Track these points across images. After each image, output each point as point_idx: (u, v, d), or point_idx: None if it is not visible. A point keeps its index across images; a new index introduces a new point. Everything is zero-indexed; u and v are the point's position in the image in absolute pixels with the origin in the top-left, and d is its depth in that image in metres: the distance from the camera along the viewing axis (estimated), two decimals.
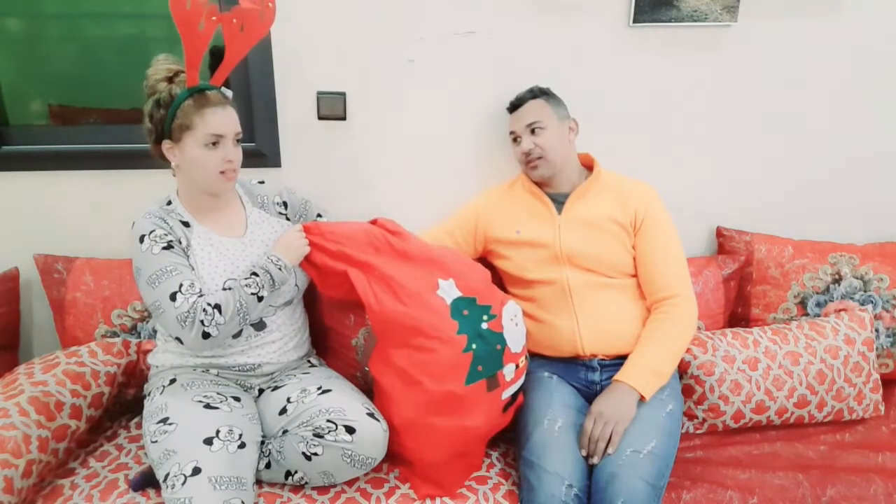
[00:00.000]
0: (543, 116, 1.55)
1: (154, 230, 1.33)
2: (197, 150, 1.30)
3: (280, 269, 1.36)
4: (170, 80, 1.31)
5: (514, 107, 1.60)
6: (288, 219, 1.54)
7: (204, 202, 1.40)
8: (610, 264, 1.52)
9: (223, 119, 1.31)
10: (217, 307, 1.27)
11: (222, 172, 1.33)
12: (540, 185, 1.61)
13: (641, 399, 1.38)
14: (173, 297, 1.26)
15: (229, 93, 1.36)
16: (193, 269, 1.34)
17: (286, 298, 1.46)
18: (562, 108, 1.60)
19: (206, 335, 1.26)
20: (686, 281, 1.52)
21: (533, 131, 1.55)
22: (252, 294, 1.31)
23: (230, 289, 1.31)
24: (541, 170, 1.56)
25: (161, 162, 1.37)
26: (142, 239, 1.32)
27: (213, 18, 1.26)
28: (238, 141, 1.36)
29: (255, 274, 1.33)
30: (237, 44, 1.32)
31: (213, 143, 1.31)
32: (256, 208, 1.50)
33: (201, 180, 1.35)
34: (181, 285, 1.27)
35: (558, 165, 1.56)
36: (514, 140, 1.60)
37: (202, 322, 1.25)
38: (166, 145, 1.32)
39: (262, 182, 1.56)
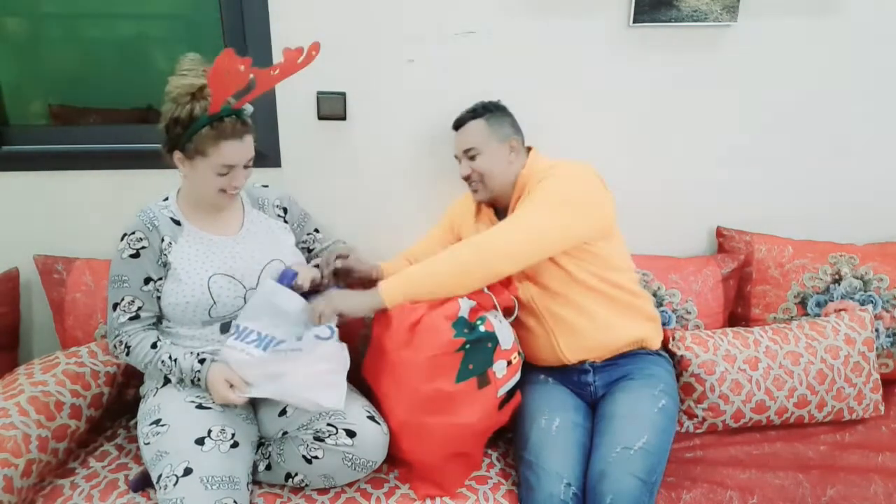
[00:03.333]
0: (479, 142, 1.49)
1: (135, 232, 1.37)
2: (207, 174, 1.32)
3: (194, 384, 1.35)
4: (193, 95, 1.26)
5: (456, 127, 1.55)
6: (286, 222, 1.54)
7: (203, 205, 1.42)
8: (561, 274, 1.45)
9: (237, 151, 1.31)
10: (128, 348, 1.36)
11: (223, 191, 1.35)
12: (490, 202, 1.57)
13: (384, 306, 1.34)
14: (114, 308, 1.37)
15: (250, 108, 1.34)
16: (154, 279, 1.36)
17: None
18: (504, 126, 1.51)
19: (115, 355, 1.42)
20: (512, 225, 1.38)
21: (471, 157, 1.50)
22: (160, 370, 1.35)
23: (155, 348, 1.35)
24: (480, 194, 1.53)
25: (170, 163, 1.37)
26: (122, 237, 1.38)
27: (252, 76, 1.26)
28: (247, 166, 1.36)
29: (176, 363, 1.33)
30: (267, 82, 1.32)
31: (225, 173, 1.32)
32: (255, 209, 1.51)
33: (202, 195, 1.38)
34: (123, 299, 1.36)
35: (497, 188, 1.51)
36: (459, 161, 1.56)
37: (115, 346, 1.38)
38: (177, 156, 1.32)
39: (265, 186, 1.57)
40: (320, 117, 1.70)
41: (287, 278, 1.38)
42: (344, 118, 1.71)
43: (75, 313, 1.62)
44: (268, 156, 1.73)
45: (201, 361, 1.34)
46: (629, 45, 1.70)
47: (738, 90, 1.76)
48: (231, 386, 1.30)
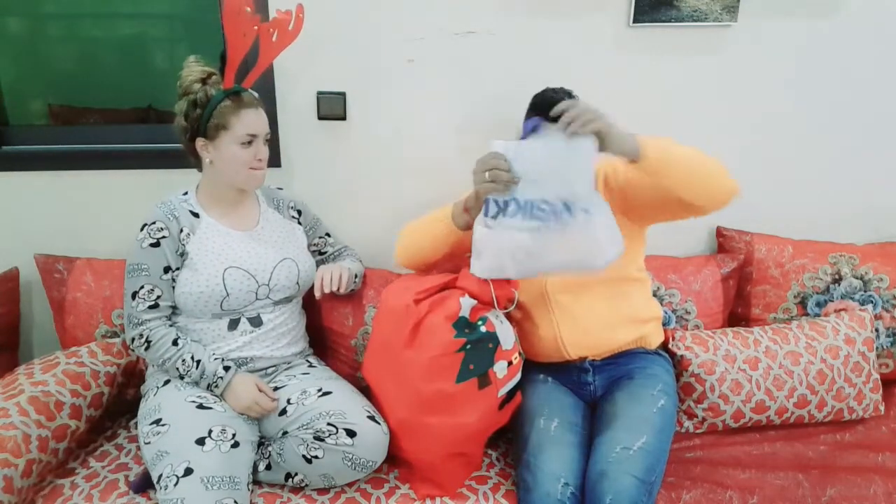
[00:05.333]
0: None
1: (155, 222, 1.38)
2: (232, 148, 1.36)
3: (209, 389, 1.37)
4: (203, 81, 1.35)
5: (550, 112, 1.38)
6: (300, 223, 1.58)
7: (224, 196, 1.45)
8: None
9: (257, 119, 1.38)
10: (148, 343, 1.37)
11: (251, 168, 1.39)
12: None
13: (633, 159, 1.20)
14: (133, 296, 1.38)
15: (255, 95, 1.41)
16: (173, 268, 1.38)
17: (286, 295, 1.47)
18: None
19: (131, 348, 1.42)
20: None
21: None
22: (177, 369, 1.37)
23: (176, 345, 1.37)
24: None
25: (192, 160, 1.42)
26: (143, 227, 1.39)
27: (255, 28, 1.36)
28: (266, 141, 1.41)
29: (199, 365, 1.36)
30: (269, 50, 1.41)
31: (248, 143, 1.37)
32: (271, 208, 1.54)
33: (232, 176, 1.40)
34: (142, 287, 1.37)
35: None
36: None
37: (133, 339, 1.38)
38: (200, 143, 1.37)
39: (280, 188, 1.61)
40: (320, 117, 1.70)
41: (532, 127, 1.22)
42: (344, 118, 1.71)
43: (75, 313, 1.62)
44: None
45: (226, 368, 1.36)
46: (629, 45, 1.70)
47: (737, 90, 1.76)
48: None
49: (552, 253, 1.23)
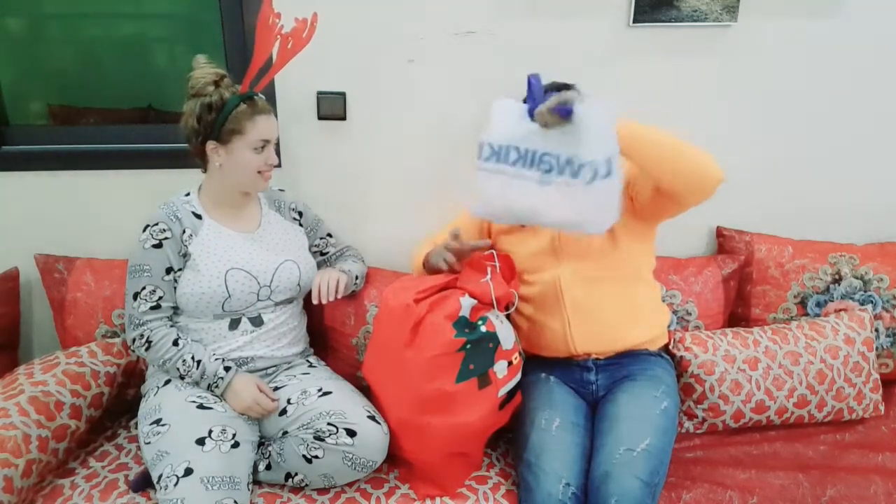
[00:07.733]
0: None
1: (158, 223, 1.38)
2: (245, 153, 1.36)
3: (210, 389, 1.37)
4: (216, 83, 1.34)
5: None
6: (301, 225, 1.59)
7: (228, 199, 1.45)
8: (605, 251, 1.47)
9: (270, 125, 1.39)
10: (149, 343, 1.37)
11: (260, 172, 1.40)
12: None
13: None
14: (134, 297, 1.38)
15: (263, 98, 1.41)
16: (175, 269, 1.38)
17: (287, 296, 1.47)
18: None
19: (132, 349, 1.42)
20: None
21: None
22: (178, 369, 1.37)
23: (177, 345, 1.37)
24: None
25: (198, 161, 1.42)
26: (145, 228, 1.39)
27: (278, 37, 1.38)
28: (276, 145, 1.42)
29: (199, 365, 1.36)
30: (282, 57, 1.43)
31: (261, 148, 1.37)
32: (273, 210, 1.55)
33: (242, 180, 1.41)
34: (144, 288, 1.37)
35: None
36: None
37: (133, 340, 1.38)
38: (211, 146, 1.36)
39: (282, 190, 1.61)
40: (320, 117, 1.70)
41: (536, 86, 1.18)
42: (344, 118, 1.71)
43: (76, 313, 1.62)
44: None
45: (227, 369, 1.36)
46: (629, 45, 1.70)
47: (737, 90, 1.76)
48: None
49: (553, 208, 1.19)
